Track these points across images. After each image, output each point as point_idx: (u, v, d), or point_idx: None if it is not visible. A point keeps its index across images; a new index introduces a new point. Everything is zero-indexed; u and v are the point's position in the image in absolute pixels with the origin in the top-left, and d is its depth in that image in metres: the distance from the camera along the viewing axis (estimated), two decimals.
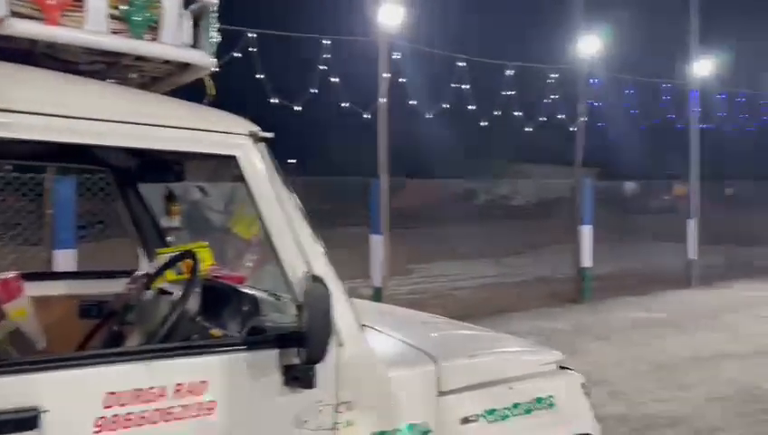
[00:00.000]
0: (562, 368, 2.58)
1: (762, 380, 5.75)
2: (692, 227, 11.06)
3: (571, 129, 10.43)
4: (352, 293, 2.14)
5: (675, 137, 14.22)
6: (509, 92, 10.91)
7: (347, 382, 1.90)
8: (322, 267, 1.87)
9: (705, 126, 12.08)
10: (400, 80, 9.72)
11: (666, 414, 4.93)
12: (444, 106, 11.00)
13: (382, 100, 8.25)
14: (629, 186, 19.67)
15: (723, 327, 7.88)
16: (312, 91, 9.54)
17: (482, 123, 12.06)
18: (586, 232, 9.61)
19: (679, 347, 6.92)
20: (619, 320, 8.30)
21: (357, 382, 1.93)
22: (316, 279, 1.77)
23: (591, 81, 10.78)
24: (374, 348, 2.02)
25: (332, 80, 9.45)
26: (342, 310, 1.89)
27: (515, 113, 11.32)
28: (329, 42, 9.21)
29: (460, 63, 10.08)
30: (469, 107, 10.83)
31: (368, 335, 2.02)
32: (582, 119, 10.06)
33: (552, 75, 10.87)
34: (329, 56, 9.33)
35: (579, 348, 6.76)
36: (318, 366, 1.77)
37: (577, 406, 2.51)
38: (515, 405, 2.29)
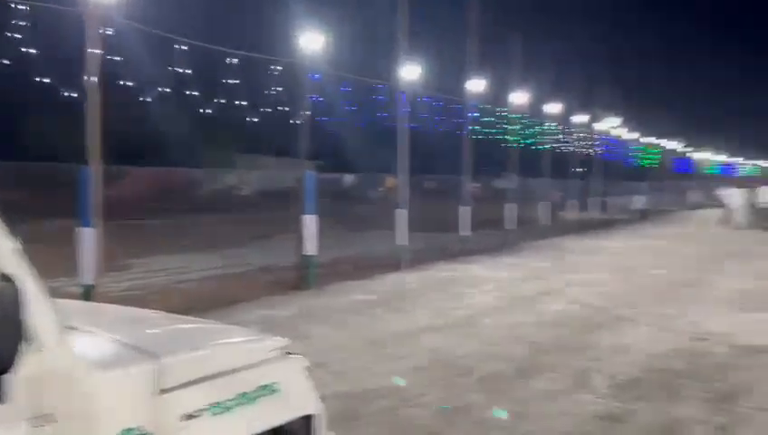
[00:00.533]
0: (288, 354, 2.64)
1: (456, 348, 6.64)
2: (401, 215, 12.23)
3: (296, 121, 10.73)
4: (57, 292, 1.90)
5: (389, 133, 15.62)
6: (234, 81, 10.79)
7: (47, 392, 1.68)
8: (13, 265, 1.62)
9: (412, 125, 13.44)
10: (116, 59, 8.91)
11: (381, 386, 5.39)
12: (166, 90, 10.41)
13: (92, 79, 7.48)
14: (349, 178, 21.12)
15: (426, 304, 8.91)
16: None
17: (208, 111, 11.73)
18: (309, 221, 10.00)
19: (392, 324, 7.63)
20: (341, 303, 8.83)
21: (59, 391, 1.71)
22: (4, 278, 1.52)
23: (313, 76, 11.21)
24: (81, 351, 1.83)
25: (30, 52, 8.25)
26: (40, 311, 1.66)
27: (241, 102, 11.23)
28: (26, 7, 8.01)
29: (183, 47, 9.62)
30: (194, 93, 10.43)
31: (74, 337, 1.81)
32: (306, 112, 10.43)
33: (277, 68, 11.05)
34: (26, 24, 8.12)
35: (304, 333, 7.01)
36: (7, 377, 1.53)
37: (301, 389, 2.59)
38: (241, 395, 2.28)
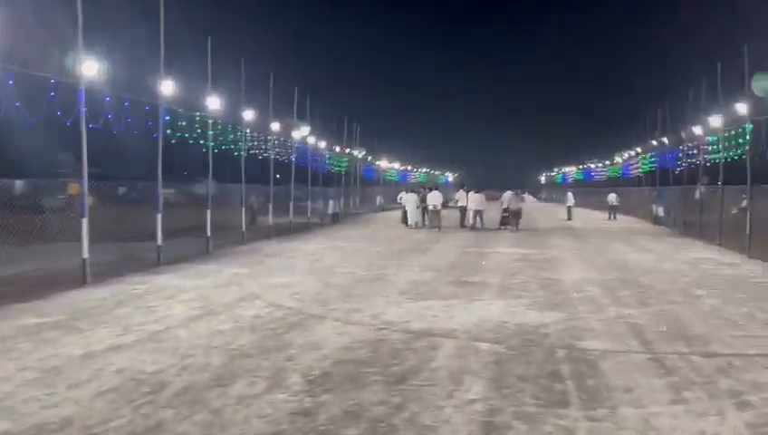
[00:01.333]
0: None
1: (147, 364, 6.26)
2: (84, 225, 11.10)
3: None
4: None
5: (67, 135, 14.01)
6: None
7: None
8: None
9: (95, 126, 12.24)
10: None
11: (55, 418, 4.80)
12: None
13: None
14: (19, 184, 18.39)
15: (114, 321, 8.21)
16: None
17: None
18: None
19: (72, 347, 6.85)
20: (5, 330, 7.60)
21: None
22: None
23: None
24: None
25: None
26: None
27: None
28: None
29: None
30: None
31: None
32: None
33: None
34: None
35: None
36: None
37: None
38: None
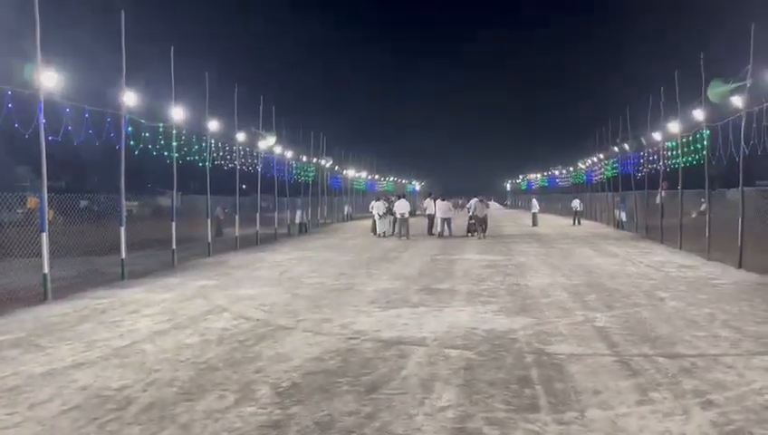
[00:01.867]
0: None
1: (112, 381, 6.11)
2: (44, 240, 10.81)
3: None
4: None
5: (25, 147, 13.67)
6: None
7: None
8: None
9: (54, 138, 11.95)
10: None
11: None
12: None
13: None
14: None
15: (77, 337, 8.00)
16: None
17: None
18: None
19: (33, 365, 6.65)
20: None
21: None
22: None
23: None
24: None
25: None
26: None
27: None
28: None
29: None
30: None
31: None
32: None
33: None
34: None
35: None
36: None
37: None
38: None
